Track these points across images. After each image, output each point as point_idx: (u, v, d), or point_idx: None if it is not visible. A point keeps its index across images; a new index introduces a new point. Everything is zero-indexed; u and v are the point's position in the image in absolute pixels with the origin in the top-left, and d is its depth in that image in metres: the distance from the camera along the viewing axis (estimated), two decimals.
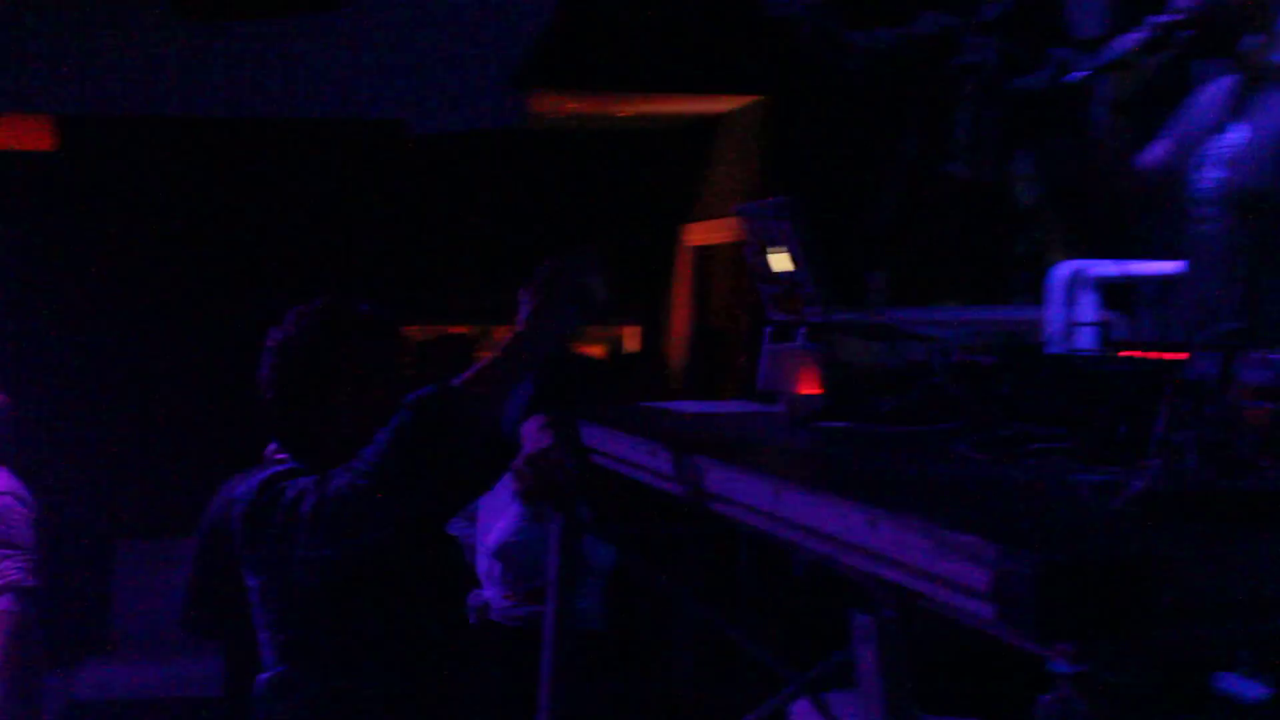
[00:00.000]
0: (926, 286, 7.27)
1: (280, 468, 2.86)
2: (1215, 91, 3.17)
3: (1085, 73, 3.06)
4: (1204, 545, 1.19)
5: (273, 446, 3.19)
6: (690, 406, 3.23)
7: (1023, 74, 7.66)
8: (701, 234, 8.85)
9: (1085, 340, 4.79)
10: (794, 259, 2.88)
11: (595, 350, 9.09)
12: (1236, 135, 3.02)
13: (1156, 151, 3.26)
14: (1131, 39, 3.00)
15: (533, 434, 2.87)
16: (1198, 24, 2.99)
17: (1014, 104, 7.62)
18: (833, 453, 2.06)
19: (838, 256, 7.24)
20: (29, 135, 7.97)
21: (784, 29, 7.29)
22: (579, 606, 3.79)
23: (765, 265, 3.02)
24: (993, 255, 7.60)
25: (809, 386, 2.56)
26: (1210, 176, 3.05)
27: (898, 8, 7.43)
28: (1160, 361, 1.92)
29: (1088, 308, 5.07)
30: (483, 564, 5.63)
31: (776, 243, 2.95)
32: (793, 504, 1.64)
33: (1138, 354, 2.08)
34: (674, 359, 9.11)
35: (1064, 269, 5.18)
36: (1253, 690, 1.92)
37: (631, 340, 9.44)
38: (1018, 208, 7.61)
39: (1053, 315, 5.11)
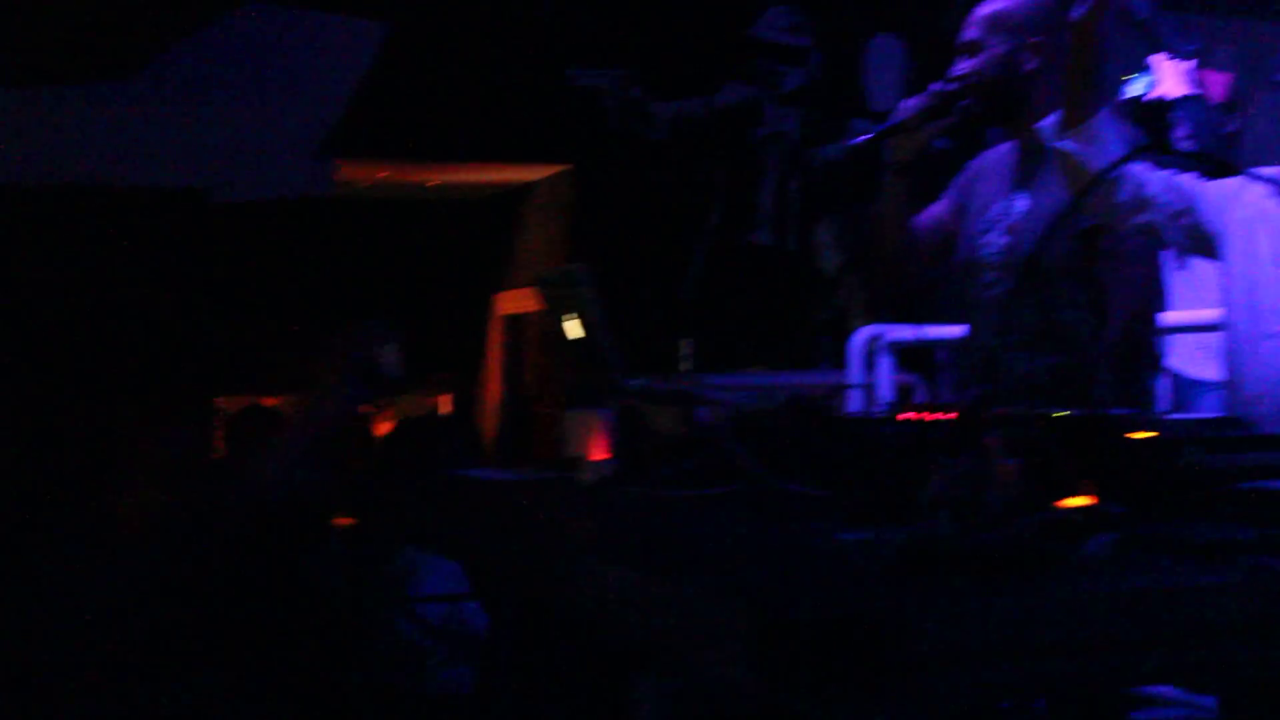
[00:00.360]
0: (734, 352, 7.37)
1: None
2: (999, 158, 3.27)
3: (868, 135, 3.15)
4: (952, 600, 1.23)
5: None
6: (494, 474, 3.23)
7: (823, 144, 7.86)
8: (513, 302, 8.88)
9: (884, 403, 4.92)
10: (589, 326, 2.91)
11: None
12: (1020, 203, 3.12)
13: (934, 212, 3.35)
14: (912, 105, 3.11)
15: None
16: (975, 94, 3.10)
17: (815, 173, 7.81)
18: (614, 517, 2.09)
19: (647, 323, 7.33)
20: None
21: (590, 99, 7.38)
22: (451, 673, 3.76)
23: (563, 332, 3.05)
24: (797, 321, 7.74)
25: (601, 452, 2.59)
26: (995, 242, 3.15)
27: (701, 79, 7.57)
28: (922, 422, 1.99)
29: (885, 372, 5.22)
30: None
31: (572, 310, 2.98)
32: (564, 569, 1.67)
33: (913, 415, 2.15)
34: (487, 426, 9.09)
35: (863, 334, 5.32)
36: None
37: (445, 407, 9.40)
38: (821, 274, 7.78)
39: (853, 377, 5.26)
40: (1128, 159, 2.53)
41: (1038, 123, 3.06)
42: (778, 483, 2.01)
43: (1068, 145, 2.70)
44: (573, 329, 2.96)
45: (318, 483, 2.85)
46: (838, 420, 2.12)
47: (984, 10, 3.17)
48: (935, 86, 3.14)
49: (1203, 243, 2.82)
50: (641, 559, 1.56)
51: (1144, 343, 3.12)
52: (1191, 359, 5.12)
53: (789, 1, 7.76)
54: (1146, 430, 1.78)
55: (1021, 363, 3.09)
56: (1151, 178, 2.78)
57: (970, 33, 3.14)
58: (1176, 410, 4.97)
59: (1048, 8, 3.18)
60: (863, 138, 3.16)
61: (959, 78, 3.14)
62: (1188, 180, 2.85)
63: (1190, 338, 5.00)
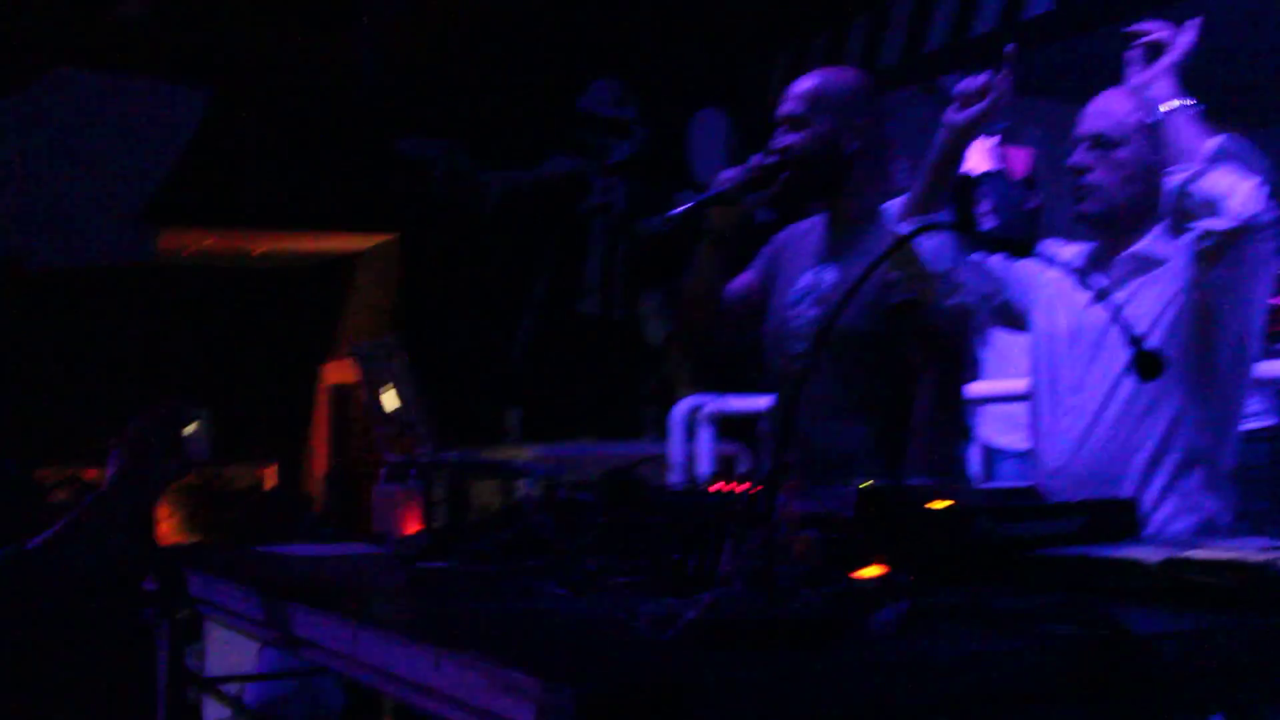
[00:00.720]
0: (561, 422, 7.37)
1: None
2: (808, 230, 3.30)
3: (688, 205, 3.12)
4: (742, 671, 1.24)
5: None
6: (304, 550, 3.17)
7: (649, 215, 7.94)
8: (339, 372, 8.78)
9: (704, 474, 4.95)
10: (404, 397, 2.89)
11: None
12: (829, 275, 3.15)
13: (743, 282, 3.36)
14: (731, 175, 3.11)
15: None
16: (797, 168, 3.12)
17: (641, 244, 7.88)
18: (420, 594, 2.07)
19: (474, 393, 7.28)
20: None
21: (417, 168, 7.37)
22: None
23: (379, 404, 3.02)
24: (624, 391, 7.78)
25: (413, 526, 2.57)
26: (804, 314, 3.17)
27: (529, 150, 7.61)
28: (722, 494, 2.01)
29: (706, 442, 5.26)
30: None
31: (388, 381, 2.95)
32: (368, 647, 1.64)
33: (722, 487, 2.16)
34: (313, 497, 8.95)
35: (684, 405, 5.36)
36: None
37: (270, 479, 9.25)
38: (646, 345, 7.83)
39: (675, 450, 5.28)
40: (920, 232, 2.58)
41: (882, 204, 3.12)
42: (587, 555, 2.01)
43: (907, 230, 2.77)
44: (389, 400, 2.93)
45: (130, 560, 2.77)
46: (649, 492, 2.13)
47: (808, 86, 3.19)
48: (756, 159, 3.15)
49: (1013, 320, 2.92)
50: (440, 632, 1.54)
51: (954, 413, 3.17)
52: (999, 429, 5.25)
53: (614, 75, 7.86)
54: (942, 501, 1.82)
55: (827, 434, 3.11)
56: (962, 261, 2.87)
57: (794, 107, 3.16)
58: (985, 480, 5.08)
59: (869, 91, 3.24)
60: (683, 207, 3.14)
61: (781, 150, 3.16)
62: (996, 262, 2.94)
63: (998, 408, 5.13)
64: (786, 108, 3.17)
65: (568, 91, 7.78)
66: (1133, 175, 2.74)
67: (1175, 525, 2.60)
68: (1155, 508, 2.62)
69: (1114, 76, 2.86)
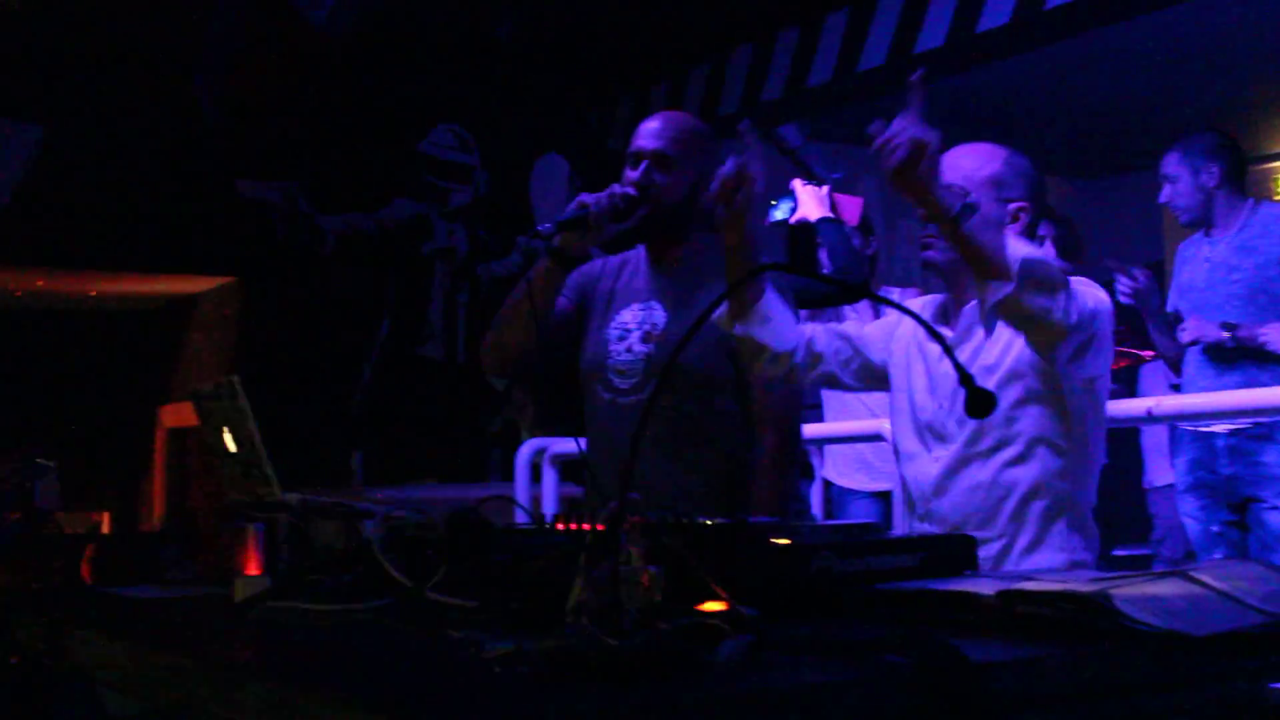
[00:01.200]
0: (405, 465, 7.31)
1: None
2: (624, 266, 3.28)
3: (548, 226, 3.07)
4: (588, 704, 1.24)
5: None
6: (145, 592, 3.09)
7: (492, 259, 7.94)
8: (177, 416, 8.60)
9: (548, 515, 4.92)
10: (244, 439, 2.83)
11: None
12: (658, 314, 3.15)
13: (559, 307, 3.34)
14: (594, 200, 3.06)
15: None
16: (653, 205, 3.10)
17: (484, 287, 7.87)
18: (263, 635, 2.03)
19: (317, 436, 7.17)
20: None
21: (258, 211, 7.28)
22: None
23: (220, 446, 2.96)
24: (467, 434, 7.75)
25: (254, 568, 2.52)
26: (634, 349, 3.15)
27: (370, 193, 7.57)
28: (570, 531, 2.01)
29: (551, 484, 5.24)
30: None
31: (228, 423, 2.90)
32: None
33: (566, 525, 2.16)
34: (151, 543, 8.73)
35: (528, 448, 5.34)
36: None
37: (105, 525, 9.00)
38: (490, 388, 7.81)
39: (520, 492, 5.25)
40: (761, 270, 2.61)
41: (702, 247, 3.14)
42: (429, 594, 1.99)
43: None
44: (229, 442, 2.88)
45: None
46: (493, 532, 2.11)
47: (680, 127, 3.18)
48: (618, 189, 3.11)
49: (875, 379, 2.95)
50: (281, 674, 1.51)
51: (793, 452, 3.19)
52: (844, 468, 5.32)
53: (456, 120, 7.85)
54: (783, 537, 1.84)
55: (664, 473, 3.11)
56: (817, 332, 2.91)
57: (666, 146, 3.13)
58: (830, 517, 5.14)
59: (717, 145, 3.25)
60: (546, 226, 3.09)
61: (648, 186, 3.13)
62: (852, 328, 2.98)
63: (842, 448, 5.21)
64: (657, 144, 3.14)
65: (409, 136, 7.76)
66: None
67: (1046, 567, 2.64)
68: (1027, 552, 2.67)
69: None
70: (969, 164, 2.81)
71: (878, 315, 5.35)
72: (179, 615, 2.42)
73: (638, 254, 3.30)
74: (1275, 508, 4.48)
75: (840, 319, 5.32)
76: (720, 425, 3.13)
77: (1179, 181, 4.67)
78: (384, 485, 6.71)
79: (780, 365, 2.88)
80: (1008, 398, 2.67)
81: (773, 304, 2.84)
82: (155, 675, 1.87)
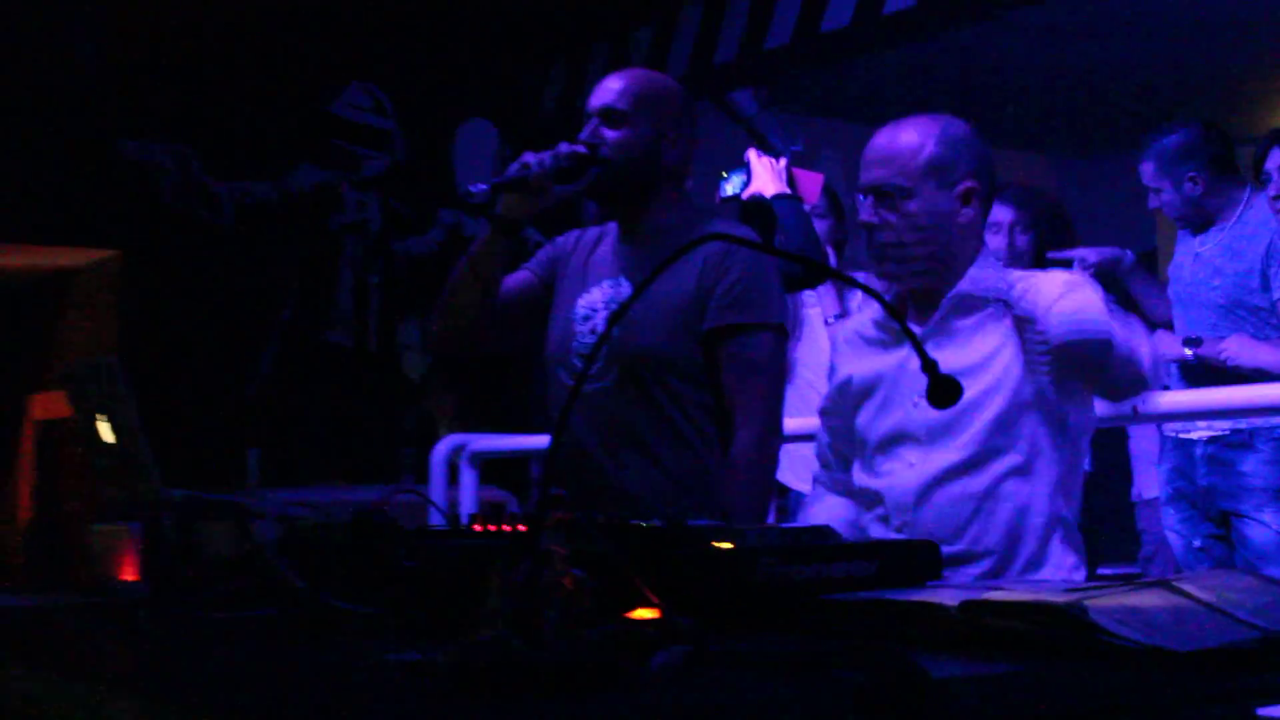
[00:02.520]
0: (306, 465, 7.27)
1: None
2: (598, 240, 3.29)
3: (483, 187, 3.06)
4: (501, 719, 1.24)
5: None
6: (8, 600, 3.07)
7: (409, 235, 7.91)
8: (49, 405, 8.52)
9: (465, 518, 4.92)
10: (123, 428, 2.81)
11: None
12: (627, 290, 3.14)
13: (519, 279, 3.36)
14: (536, 160, 3.06)
15: None
16: (605, 165, 3.10)
17: (401, 267, 7.84)
18: (142, 647, 2.02)
19: (207, 430, 7.12)
20: None
21: (143, 176, 7.21)
22: None
23: (94, 435, 2.93)
24: (378, 431, 7.71)
25: (131, 573, 2.50)
26: (600, 332, 3.13)
27: (272, 159, 7.52)
28: (488, 533, 2.01)
29: (469, 486, 5.25)
30: None
31: (105, 410, 2.87)
32: None
33: (484, 527, 2.16)
34: (15, 546, 8.64)
35: (445, 445, 5.34)
36: None
37: None
38: (405, 379, 7.79)
39: (435, 494, 5.25)
40: (709, 239, 2.60)
41: (679, 223, 3.15)
42: (327, 601, 1.99)
43: None
44: (105, 431, 2.86)
45: None
46: (400, 535, 2.11)
47: (634, 82, 3.19)
48: (566, 147, 3.12)
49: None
50: (160, 691, 1.50)
51: (776, 451, 3.20)
52: (800, 472, 5.33)
53: (371, 79, 7.81)
54: (726, 540, 1.84)
55: (616, 467, 3.11)
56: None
57: (615, 100, 3.15)
58: (782, 520, 5.16)
59: (689, 102, 3.27)
60: (479, 186, 3.08)
61: (597, 144, 3.14)
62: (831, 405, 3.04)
63: (798, 449, 5.22)
64: (606, 99, 3.16)
65: (318, 95, 7.71)
66: (930, 226, 2.79)
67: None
68: (1024, 571, 2.69)
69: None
70: (901, 153, 2.80)
71: (842, 305, 5.37)
72: (45, 626, 2.41)
73: (610, 226, 3.31)
74: (1258, 522, 4.53)
75: (799, 307, 5.34)
76: (690, 418, 3.14)
77: (1164, 193, 4.74)
78: (283, 486, 6.66)
79: None
80: (996, 404, 2.69)
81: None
82: (15, 691, 1.86)
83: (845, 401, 2.95)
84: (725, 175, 4.43)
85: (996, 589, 1.82)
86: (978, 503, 2.71)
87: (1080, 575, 2.74)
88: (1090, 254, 4.96)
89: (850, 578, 1.90)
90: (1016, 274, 2.82)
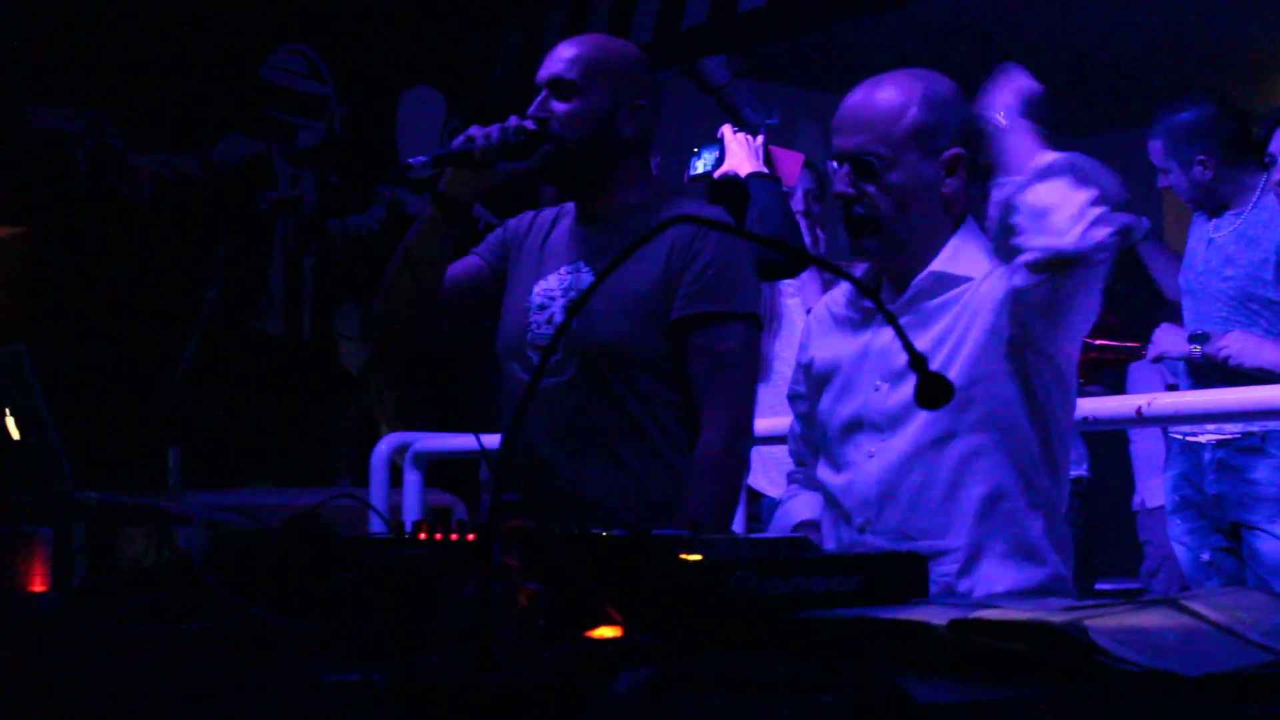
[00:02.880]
0: (233, 465, 7.25)
1: None
2: (555, 222, 3.29)
3: (423, 159, 3.05)
4: None
5: None
6: None
7: (347, 213, 7.88)
8: None
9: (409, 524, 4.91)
10: (31, 423, 2.80)
11: None
12: (587, 277, 3.14)
13: (469, 264, 3.36)
14: (483, 134, 3.05)
15: None
16: (558, 141, 3.10)
17: (337, 248, 7.81)
18: (51, 665, 2.01)
19: (125, 426, 7.08)
20: None
21: (54, 147, 7.17)
22: None
23: (1, 432, 2.93)
24: (312, 428, 7.69)
25: (40, 583, 2.49)
26: (556, 322, 3.13)
27: (196, 128, 7.48)
28: (436, 543, 2.00)
29: (414, 489, 5.24)
30: None
31: (11, 404, 2.87)
32: None
33: (430, 535, 2.16)
34: None
35: (386, 444, 5.33)
36: None
37: None
38: (343, 372, 7.76)
39: (375, 497, 5.25)
40: (675, 222, 2.56)
41: (643, 201, 3.16)
42: (260, 615, 1.98)
43: None
44: (11, 427, 2.85)
45: None
46: (337, 543, 2.11)
47: (586, 50, 3.19)
48: (514, 121, 3.11)
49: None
50: (75, 713, 1.50)
51: (745, 452, 3.20)
52: (771, 475, 5.34)
53: (307, 41, 7.78)
54: (694, 552, 1.84)
55: (576, 469, 3.12)
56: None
57: (565, 70, 3.15)
58: (752, 529, 5.16)
59: (650, 70, 3.27)
60: (419, 159, 3.08)
61: (546, 118, 3.14)
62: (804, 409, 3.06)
63: (768, 450, 5.23)
64: (555, 69, 3.17)
65: (247, 58, 7.67)
66: (910, 198, 2.79)
67: (1014, 582, 2.68)
68: (997, 563, 2.69)
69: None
70: (881, 117, 2.77)
71: (824, 292, 5.37)
72: None
73: (568, 207, 3.32)
74: (1269, 534, 4.54)
75: (777, 297, 5.34)
76: (656, 416, 3.14)
77: (1171, 174, 4.77)
78: (207, 488, 6.65)
79: None
80: (962, 375, 2.69)
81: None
82: None
83: (810, 384, 2.98)
84: (696, 151, 4.43)
85: (988, 606, 1.82)
86: (944, 490, 2.71)
87: (1067, 573, 2.75)
88: None
89: (830, 593, 1.90)
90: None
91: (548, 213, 3.38)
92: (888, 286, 2.88)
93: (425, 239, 3.17)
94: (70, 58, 7.16)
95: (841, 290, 2.97)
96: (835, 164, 2.83)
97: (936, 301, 2.78)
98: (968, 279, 2.77)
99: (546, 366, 3.12)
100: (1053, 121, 2.81)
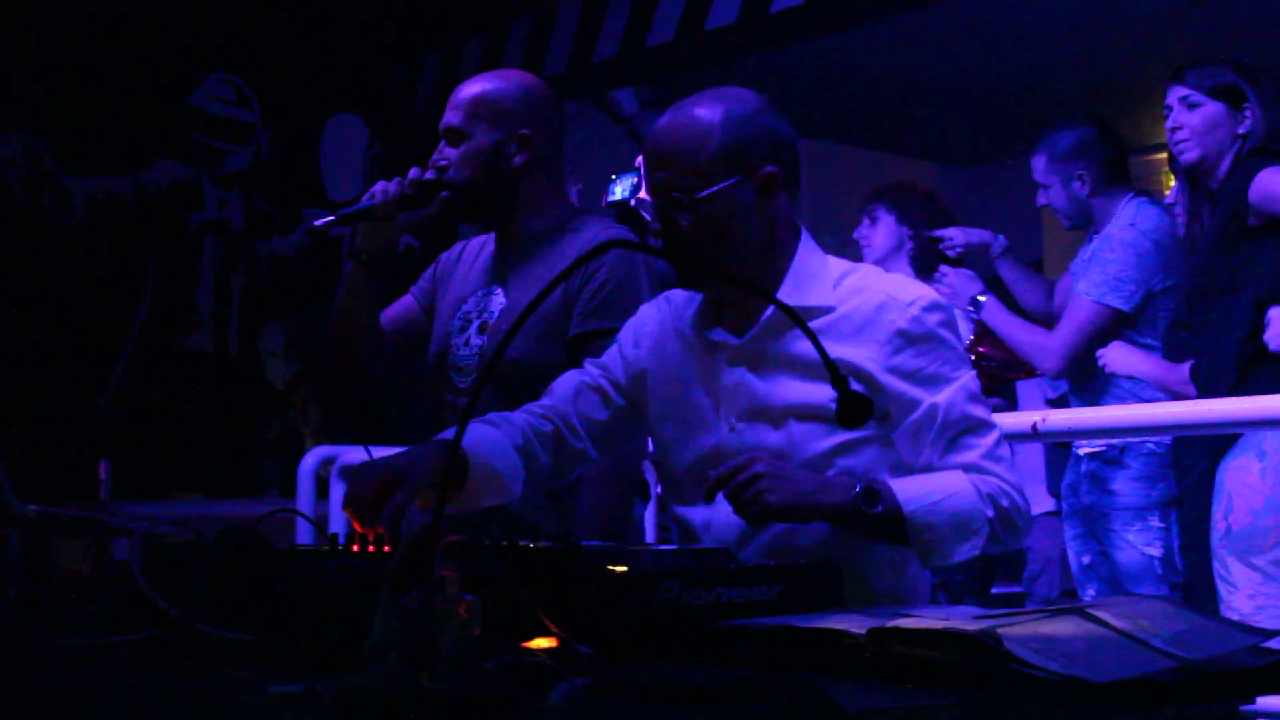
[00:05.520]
0: (163, 477, 7.17)
1: None
2: (475, 251, 3.34)
3: (329, 219, 3.13)
4: None
5: None
6: None
7: (273, 235, 7.82)
8: None
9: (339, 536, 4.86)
10: None
11: None
12: (497, 300, 3.18)
13: (402, 308, 3.40)
14: (382, 189, 3.12)
15: None
16: (451, 186, 3.15)
17: (264, 268, 7.75)
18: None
19: (56, 440, 6.98)
20: None
21: None
22: None
23: None
24: (240, 441, 7.62)
25: None
26: (471, 342, 3.19)
27: (129, 153, 7.39)
28: (371, 555, 1.97)
29: (339, 500, 5.16)
30: None
31: None
32: None
33: (364, 548, 2.12)
34: None
35: (313, 457, 5.25)
36: None
37: None
38: (269, 387, 7.69)
39: (303, 507, 5.16)
40: (603, 250, 2.45)
41: (557, 223, 3.16)
42: (198, 626, 1.94)
43: None
44: None
45: None
46: (274, 555, 2.07)
47: (468, 94, 3.22)
48: (414, 174, 3.18)
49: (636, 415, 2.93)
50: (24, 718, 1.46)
51: (629, 465, 3.19)
52: None
53: (234, 70, 7.71)
54: (621, 564, 1.82)
55: None
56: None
57: (452, 118, 3.20)
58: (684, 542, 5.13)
59: (540, 97, 3.27)
60: (322, 220, 3.15)
61: (444, 166, 3.20)
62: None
63: None
64: (446, 119, 3.23)
65: (177, 86, 7.60)
66: (727, 226, 2.52)
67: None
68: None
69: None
70: (684, 148, 2.51)
71: None
72: None
73: (488, 237, 3.37)
74: (1123, 541, 4.58)
75: None
76: None
77: (1051, 190, 4.81)
78: (138, 499, 6.55)
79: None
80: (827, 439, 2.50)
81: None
82: None
83: (633, 386, 2.74)
84: (615, 178, 4.44)
85: (904, 615, 1.81)
86: (807, 531, 2.45)
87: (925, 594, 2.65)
88: (958, 234, 5.10)
89: (752, 602, 1.89)
90: (840, 268, 2.60)
91: (476, 240, 3.42)
92: (728, 317, 2.63)
93: (352, 295, 3.25)
94: (6, 84, 7.06)
95: (691, 308, 2.68)
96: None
97: (789, 335, 2.52)
98: (827, 309, 2.53)
99: (466, 388, 3.15)
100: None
